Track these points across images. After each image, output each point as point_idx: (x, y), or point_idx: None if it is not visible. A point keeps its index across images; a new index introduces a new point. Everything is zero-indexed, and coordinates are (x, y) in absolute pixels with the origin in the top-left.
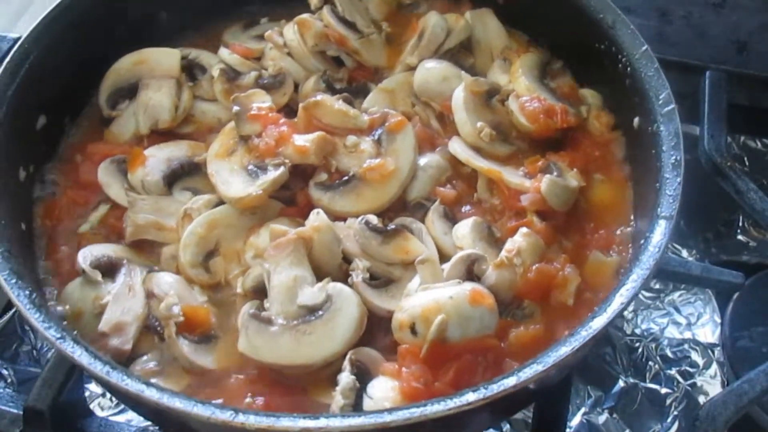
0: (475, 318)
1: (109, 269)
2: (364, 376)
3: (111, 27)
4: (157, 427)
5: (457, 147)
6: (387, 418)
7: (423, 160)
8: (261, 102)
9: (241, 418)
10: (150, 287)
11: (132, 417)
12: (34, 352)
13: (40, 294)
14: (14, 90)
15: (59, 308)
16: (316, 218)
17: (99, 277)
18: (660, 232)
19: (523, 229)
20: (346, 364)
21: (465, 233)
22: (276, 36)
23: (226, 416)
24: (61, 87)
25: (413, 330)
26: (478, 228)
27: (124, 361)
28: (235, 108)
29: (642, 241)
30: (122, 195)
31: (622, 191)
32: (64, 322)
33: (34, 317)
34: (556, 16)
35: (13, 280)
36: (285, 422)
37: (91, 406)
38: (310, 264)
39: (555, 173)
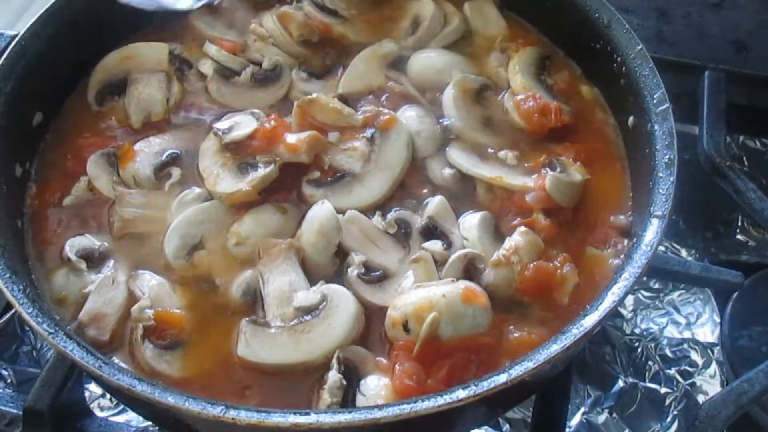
0: (468, 316)
1: (95, 260)
2: (351, 374)
3: (109, 23)
4: (156, 428)
5: (456, 156)
6: (377, 414)
7: (413, 125)
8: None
9: (232, 414)
10: (132, 287)
11: (132, 417)
12: (34, 352)
13: (35, 290)
14: (11, 87)
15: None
16: (321, 208)
17: (84, 266)
18: (652, 231)
19: (522, 228)
20: (334, 362)
21: (472, 227)
22: (259, 28)
23: (216, 411)
24: (58, 84)
25: (406, 328)
26: (485, 223)
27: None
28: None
29: (635, 240)
30: (110, 188)
31: (621, 185)
32: None
33: (27, 312)
34: (552, 16)
35: (7, 275)
36: (276, 418)
37: (91, 407)
38: (304, 256)
39: (558, 170)
